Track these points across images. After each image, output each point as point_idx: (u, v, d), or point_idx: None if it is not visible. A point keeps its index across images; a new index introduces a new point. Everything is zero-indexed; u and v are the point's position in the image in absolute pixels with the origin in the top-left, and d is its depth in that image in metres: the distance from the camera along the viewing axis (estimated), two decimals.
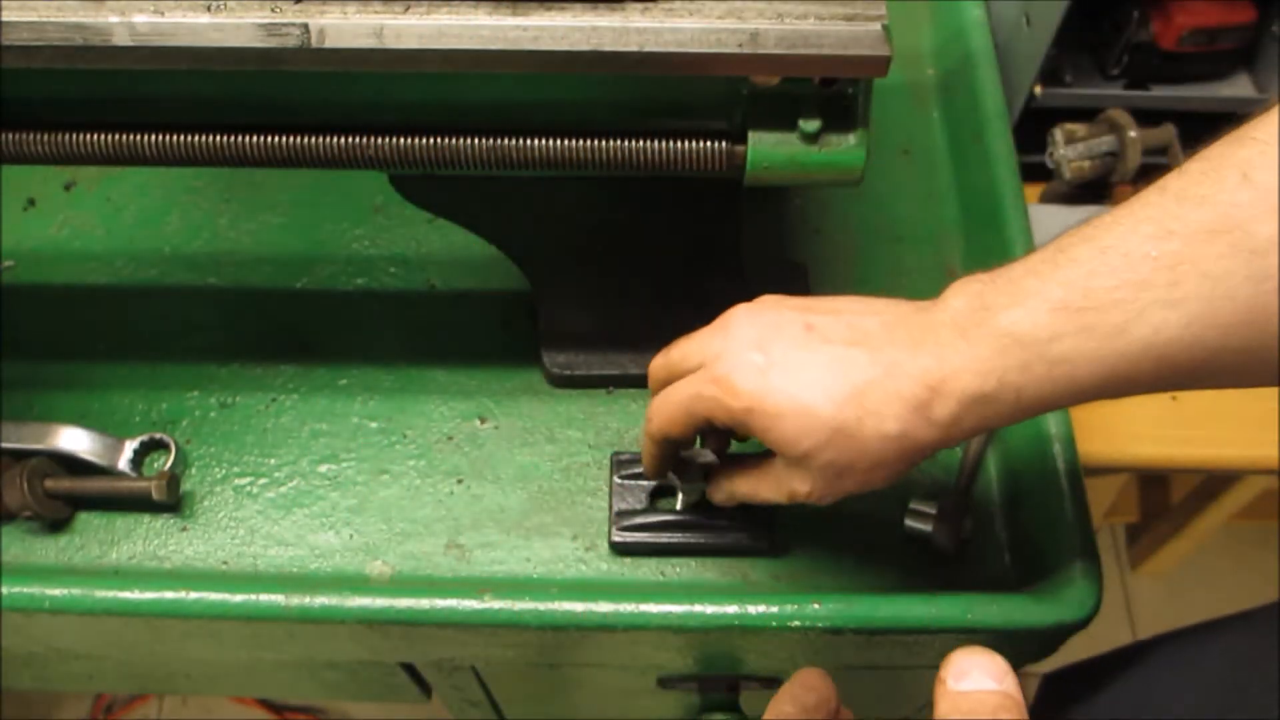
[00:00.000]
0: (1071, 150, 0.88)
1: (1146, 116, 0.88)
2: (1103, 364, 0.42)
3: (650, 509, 0.63)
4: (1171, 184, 0.42)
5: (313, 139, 0.55)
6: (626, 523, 0.63)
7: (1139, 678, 0.68)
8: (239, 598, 0.58)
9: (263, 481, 0.68)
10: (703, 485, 0.59)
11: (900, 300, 0.50)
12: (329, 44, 0.48)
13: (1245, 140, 0.41)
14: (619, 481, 0.64)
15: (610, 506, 0.64)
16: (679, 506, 0.62)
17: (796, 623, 0.55)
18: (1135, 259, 0.41)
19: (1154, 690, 0.66)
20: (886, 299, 0.50)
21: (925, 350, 0.45)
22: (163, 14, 0.48)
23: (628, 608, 0.56)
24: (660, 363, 0.54)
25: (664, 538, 0.62)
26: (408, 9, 0.49)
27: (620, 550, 0.63)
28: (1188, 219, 0.40)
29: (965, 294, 0.46)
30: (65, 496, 0.66)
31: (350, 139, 0.55)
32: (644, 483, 0.64)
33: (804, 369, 0.46)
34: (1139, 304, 0.40)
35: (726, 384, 0.48)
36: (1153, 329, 0.40)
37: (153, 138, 0.55)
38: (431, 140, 0.55)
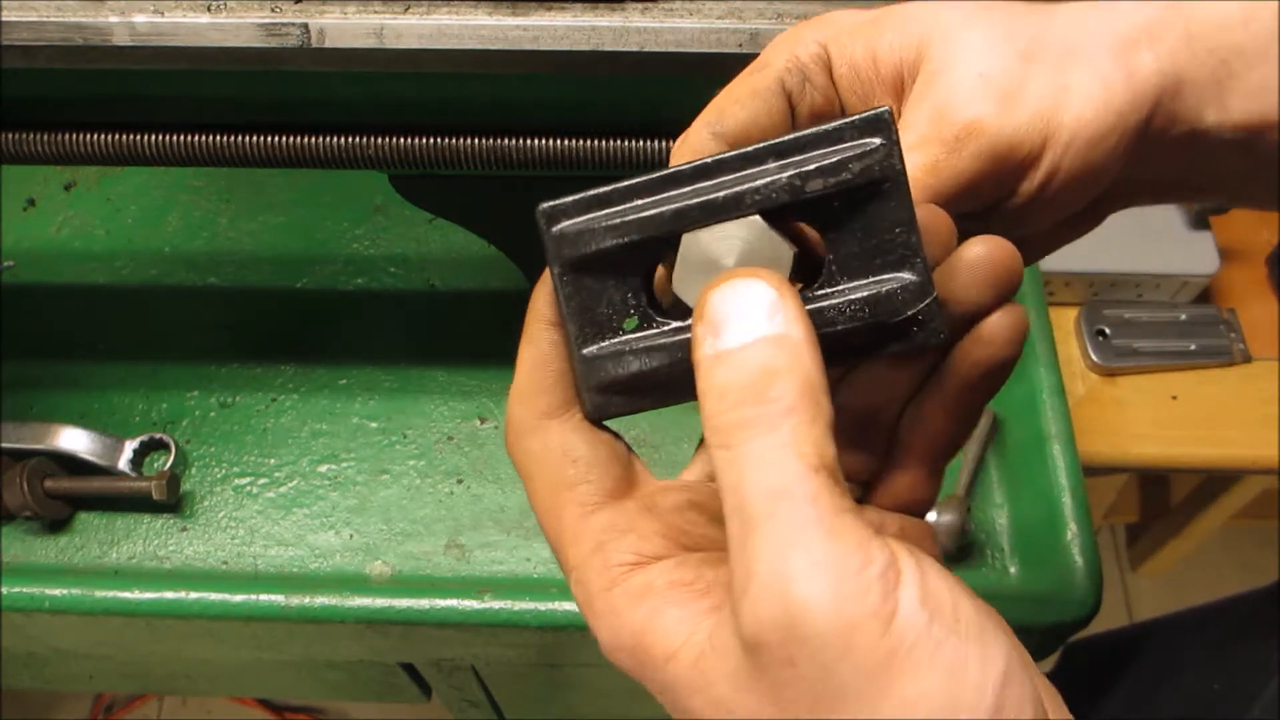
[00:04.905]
0: None
1: None
2: None
3: (654, 328, 0.30)
4: None
5: (313, 139, 0.55)
6: (611, 373, 0.30)
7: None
8: (239, 598, 0.59)
9: (263, 481, 0.68)
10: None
11: None
12: (329, 44, 0.48)
13: None
14: (568, 278, 0.30)
15: (570, 344, 0.30)
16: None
17: None
18: None
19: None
20: None
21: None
22: (163, 14, 0.48)
23: None
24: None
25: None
26: (408, 9, 0.49)
27: (603, 415, 0.31)
28: None
29: None
30: (65, 496, 0.65)
31: (350, 139, 0.55)
32: (624, 280, 0.30)
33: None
34: None
35: None
36: None
37: (153, 138, 0.55)
38: (431, 140, 0.55)
